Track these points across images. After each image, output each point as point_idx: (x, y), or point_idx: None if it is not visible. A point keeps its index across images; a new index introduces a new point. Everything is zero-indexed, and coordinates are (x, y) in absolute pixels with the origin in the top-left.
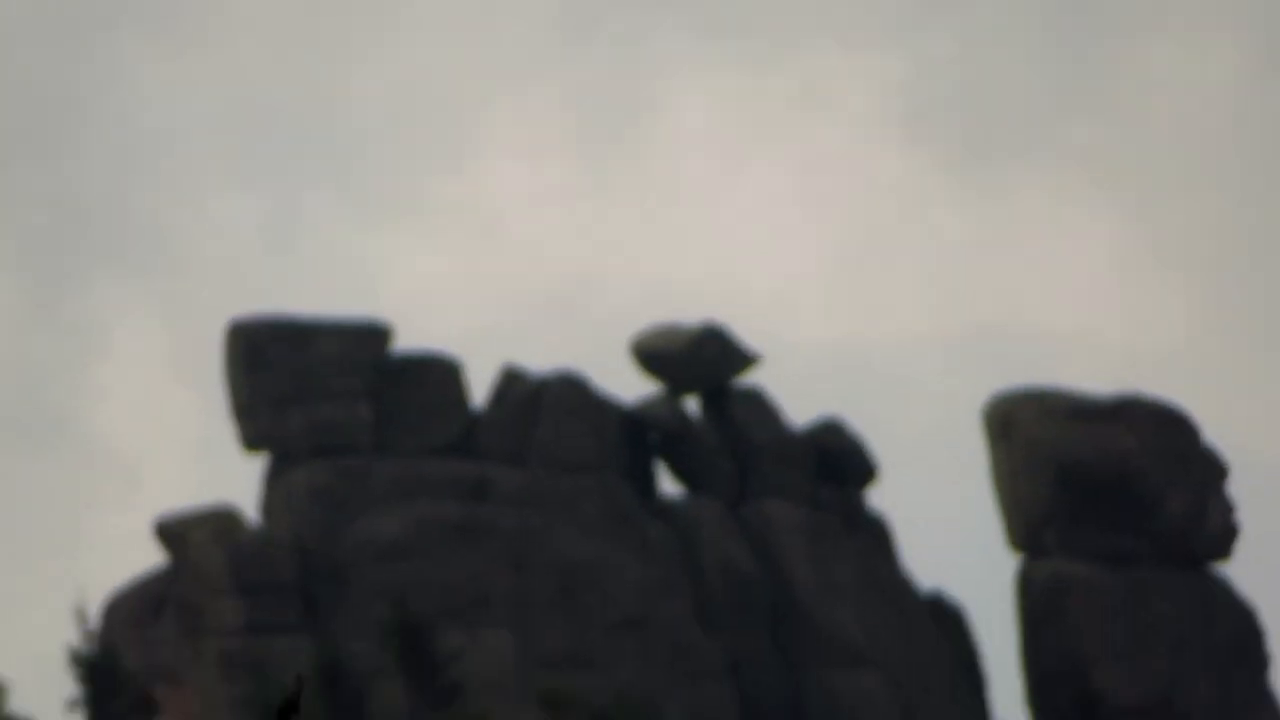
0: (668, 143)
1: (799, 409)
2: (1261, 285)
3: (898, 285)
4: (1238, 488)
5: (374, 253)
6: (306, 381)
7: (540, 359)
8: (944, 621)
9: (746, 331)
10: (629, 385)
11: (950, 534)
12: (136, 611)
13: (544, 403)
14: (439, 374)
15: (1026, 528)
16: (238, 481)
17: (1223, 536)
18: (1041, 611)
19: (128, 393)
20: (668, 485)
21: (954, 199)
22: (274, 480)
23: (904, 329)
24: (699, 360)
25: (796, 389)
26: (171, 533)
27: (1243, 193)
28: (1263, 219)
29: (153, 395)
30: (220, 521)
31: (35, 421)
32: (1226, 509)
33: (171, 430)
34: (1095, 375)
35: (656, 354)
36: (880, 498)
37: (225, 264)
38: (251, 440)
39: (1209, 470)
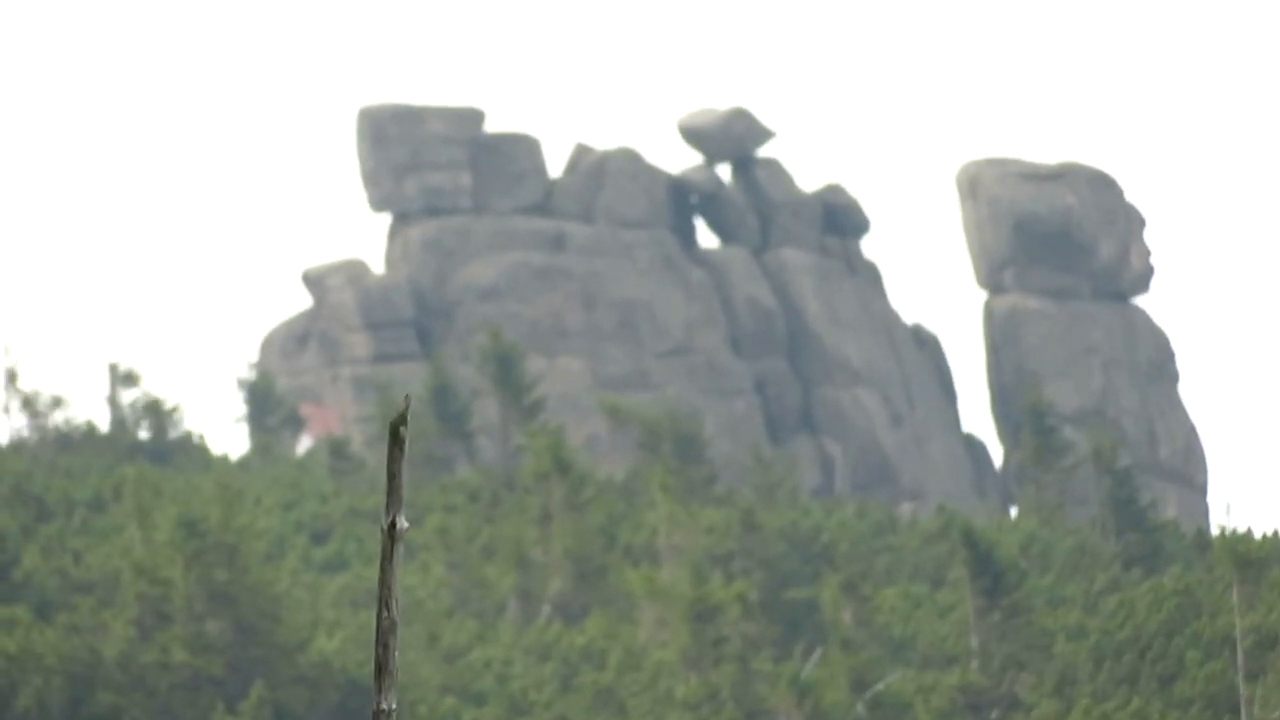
0: None
1: (809, 175)
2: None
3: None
4: (1153, 236)
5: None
6: (419, 155)
7: (603, 136)
8: (924, 347)
9: (767, 112)
10: (675, 157)
11: (929, 275)
12: (287, 345)
13: (607, 171)
14: (524, 148)
15: (989, 270)
16: (366, 237)
17: (1142, 275)
18: (1001, 338)
19: None
20: (705, 238)
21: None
22: (395, 236)
23: (891, 107)
24: (730, 135)
25: (807, 159)
26: (314, 280)
27: None
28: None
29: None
30: (353, 270)
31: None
32: (1145, 253)
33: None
34: (1045, 143)
35: (696, 130)
36: (873, 246)
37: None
38: (376, 203)
39: (1131, 222)
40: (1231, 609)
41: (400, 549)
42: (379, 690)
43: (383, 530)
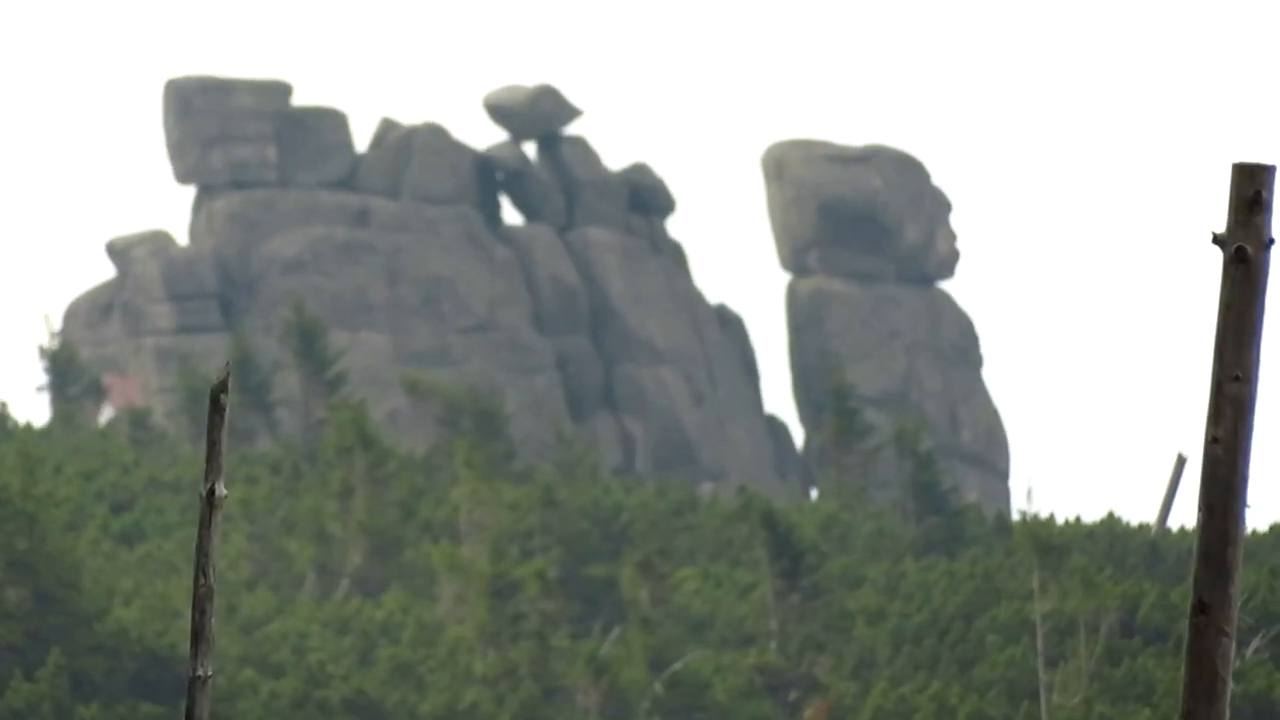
0: None
1: (615, 154)
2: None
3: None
4: (959, 220)
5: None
6: (226, 127)
7: (410, 111)
8: (727, 327)
9: (574, 90)
10: (481, 133)
11: (733, 256)
12: (90, 314)
13: (413, 147)
14: (330, 122)
15: (794, 252)
16: (171, 208)
17: (947, 260)
18: (805, 320)
19: None
20: (510, 215)
21: None
22: (199, 208)
23: (698, 87)
24: (536, 113)
25: (613, 138)
26: (118, 250)
27: None
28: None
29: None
30: (157, 241)
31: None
32: (950, 237)
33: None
34: (851, 125)
35: (502, 107)
36: (678, 226)
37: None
38: (182, 175)
39: (937, 205)
40: (1031, 594)
41: (219, 516)
42: (195, 656)
43: (201, 497)
